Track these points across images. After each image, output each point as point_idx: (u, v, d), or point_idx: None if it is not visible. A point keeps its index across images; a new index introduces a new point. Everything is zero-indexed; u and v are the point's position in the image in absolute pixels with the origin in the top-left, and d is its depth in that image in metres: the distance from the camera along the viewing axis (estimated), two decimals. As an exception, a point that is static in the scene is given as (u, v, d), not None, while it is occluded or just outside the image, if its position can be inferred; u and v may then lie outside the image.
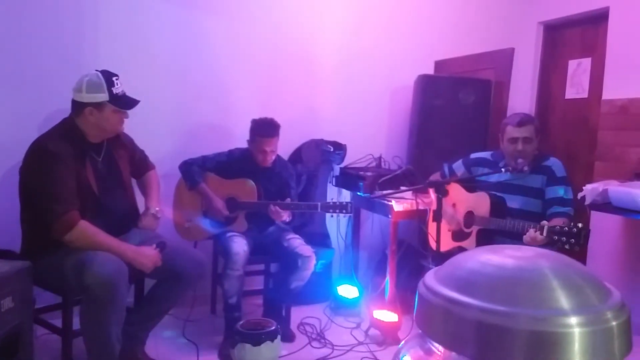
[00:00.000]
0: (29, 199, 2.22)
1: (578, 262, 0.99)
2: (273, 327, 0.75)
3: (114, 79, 2.27)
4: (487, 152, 2.95)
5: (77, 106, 2.26)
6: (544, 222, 2.33)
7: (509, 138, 2.70)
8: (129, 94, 2.35)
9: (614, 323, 0.86)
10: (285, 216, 2.84)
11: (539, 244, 2.26)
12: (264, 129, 2.87)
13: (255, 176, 2.93)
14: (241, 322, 0.85)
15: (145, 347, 2.44)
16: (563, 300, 0.86)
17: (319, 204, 2.81)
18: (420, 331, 0.97)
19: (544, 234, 2.27)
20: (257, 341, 0.75)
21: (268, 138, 2.86)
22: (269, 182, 2.99)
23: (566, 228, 2.20)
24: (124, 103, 2.30)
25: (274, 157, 2.94)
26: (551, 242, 2.24)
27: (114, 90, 2.25)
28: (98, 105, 2.23)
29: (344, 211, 2.80)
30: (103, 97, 2.23)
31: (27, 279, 2.09)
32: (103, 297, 1.99)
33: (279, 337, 0.84)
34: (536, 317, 0.83)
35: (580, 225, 2.17)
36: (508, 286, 0.88)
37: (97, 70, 2.28)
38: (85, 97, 2.23)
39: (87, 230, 2.13)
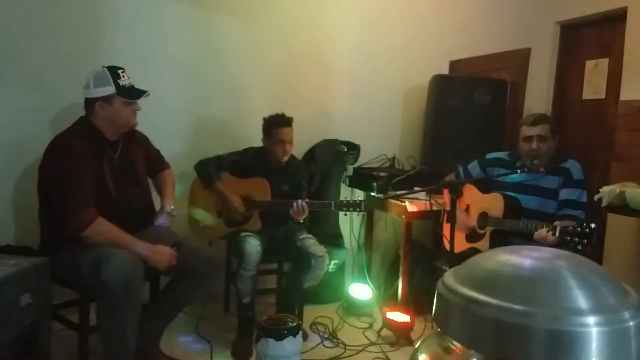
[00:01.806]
0: (47, 195, 2.26)
1: (595, 262, 0.98)
2: (295, 323, 0.76)
3: (119, 71, 2.30)
4: (504, 152, 2.93)
5: (88, 103, 2.30)
6: (557, 223, 2.32)
7: (524, 137, 2.69)
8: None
9: (631, 323, 0.85)
10: (305, 214, 2.83)
11: (550, 244, 2.25)
12: (279, 119, 2.91)
13: (269, 175, 2.94)
14: (264, 318, 0.86)
15: (160, 344, 2.45)
16: (581, 300, 0.86)
17: (333, 202, 2.82)
18: (438, 329, 0.98)
19: (557, 234, 2.25)
20: (279, 336, 0.76)
21: (285, 127, 2.89)
22: (282, 181, 3.00)
23: (578, 229, 2.18)
24: (132, 94, 2.32)
25: (291, 150, 2.95)
26: (563, 243, 2.22)
27: (121, 83, 2.28)
28: (107, 99, 2.27)
29: (357, 209, 2.80)
30: (110, 89, 2.26)
31: (45, 275, 2.12)
32: (119, 293, 2.01)
33: (300, 332, 0.85)
34: (554, 317, 0.83)
35: (592, 225, 2.16)
36: (526, 286, 0.88)
37: (103, 66, 2.31)
38: (94, 92, 2.27)
39: (104, 226, 2.15)
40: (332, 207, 2.81)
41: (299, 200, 2.79)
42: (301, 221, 2.88)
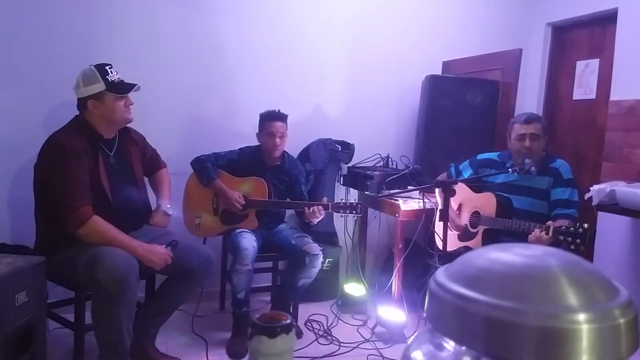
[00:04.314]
0: (43, 194, 2.26)
1: (586, 260, 1.01)
2: (288, 320, 0.76)
3: (107, 67, 2.30)
4: (494, 153, 2.96)
5: (81, 103, 2.31)
6: (550, 223, 2.35)
7: (517, 135, 2.71)
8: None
9: (621, 320, 0.87)
10: (322, 215, 2.81)
11: (544, 244, 2.28)
12: (273, 113, 2.94)
13: (264, 174, 2.95)
14: (257, 315, 0.87)
15: (155, 342, 2.47)
16: (571, 297, 0.87)
17: (330, 204, 2.83)
18: (430, 326, 0.99)
19: (550, 234, 2.28)
20: (273, 334, 0.76)
21: (278, 121, 2.92)
22: (278, 180, 3.02)
23: (572, 228, 2.22)
24: (122, 88, 2.33)
25: (284, 145, 2.97)
26: (556, 242, 2.25)
27: (110, 78, 2.29)
28: (98, 96, 2.27)
29: (354, 212, 2.81)
30: (100, 86, 2.27)
31: (41, 273, 2.13)
32: (114, 291, 2.02)
33: (294, 330, 0.85)
34: (544, 314, 0.84)
35: (585, 225, 2.19)
36: (517, 283, 0.89)
37: (90, 65, 2.32)
38: (84, 91, 2.28)
39: (99, 225, 2.16)
40: (330, 208, 2.82)
41: (313, 207, 2.78)
42: (314, 223, 2.87)
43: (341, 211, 2.82)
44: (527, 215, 2.67)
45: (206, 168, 2.88)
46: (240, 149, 3.05)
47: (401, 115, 3.80)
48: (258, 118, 2.99)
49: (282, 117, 2.94)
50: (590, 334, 0.80)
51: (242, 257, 2.66)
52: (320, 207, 2.79)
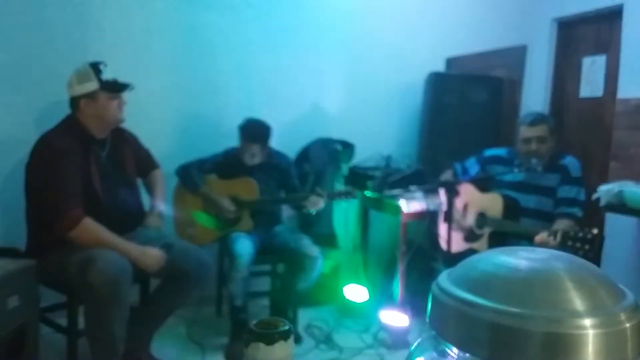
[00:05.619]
0: (34, 196, 2.22)
1: (592, 264, 0.96)
2: (286, 327, 0.73)
3: (101, 66, 2.26)
4: (502, 149, 2.90)
5: (73, 101, 2.27)
6: (557, 227, 2.29)
7: (523, 138, 2.65)
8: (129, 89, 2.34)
9: (627, 325, 0.83)
10: (319, 206, 2.79)
11: (551, 248, 2.22)
12: (250, 134, 2.87)
13: (252, 173, 2.90)
14: (254, 322, 0.83)
15: (150, 348, 2.41)
16: (577, 301, 0.83)
17: (325, 193, 2.79)
18: (433, 333, 0.95)
19: (558, 238, 2.22)
20: (270, 340, 0.73)
21: (253, 144, 2.85)
22: (267, 177, 2.96)
23: (580, 234, 2.15)
24: (116, 87, 2.28)
25: (259, 160, 2.91)
26: (564, 248, 2.19)
27: (103, 77, 2.24)
28: (91, 95, 2.23)
29: (349, 196, 2.80)
30: (93, 85, 2.23)
31: (33, 277, 2.09)
32: (106, 295, 1.98)
33: (292, 336, 0.82)
34: (550, 319, 0.81)
35: (595, 231, 2.12)
36: (522, 288, 0.85)
37: (85, 63, 2.27)
38: (77, 90, 2.24)
39: (91, 227, 2.12)
40: (325, 197, 2.77)
41: (312, 198, 2.78)
42: (313, 213, 2.83)
43: (337, 198, 2.78)
44: (535, 213, 2.61)
45: (190, 175, 2.83)
46: (225, 151, 3.00)
47: (403, 114, 3.74)
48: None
49: (258, 139, 2.86)
50: (596, 339, 0.77)
51: (238, 264, 2.61)
52: (316, 196, 2.75)
